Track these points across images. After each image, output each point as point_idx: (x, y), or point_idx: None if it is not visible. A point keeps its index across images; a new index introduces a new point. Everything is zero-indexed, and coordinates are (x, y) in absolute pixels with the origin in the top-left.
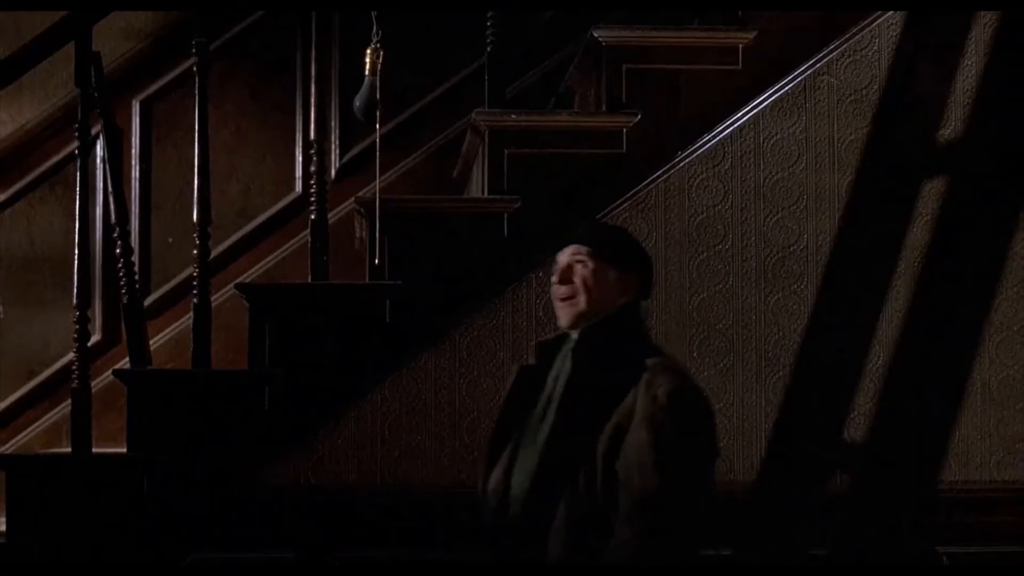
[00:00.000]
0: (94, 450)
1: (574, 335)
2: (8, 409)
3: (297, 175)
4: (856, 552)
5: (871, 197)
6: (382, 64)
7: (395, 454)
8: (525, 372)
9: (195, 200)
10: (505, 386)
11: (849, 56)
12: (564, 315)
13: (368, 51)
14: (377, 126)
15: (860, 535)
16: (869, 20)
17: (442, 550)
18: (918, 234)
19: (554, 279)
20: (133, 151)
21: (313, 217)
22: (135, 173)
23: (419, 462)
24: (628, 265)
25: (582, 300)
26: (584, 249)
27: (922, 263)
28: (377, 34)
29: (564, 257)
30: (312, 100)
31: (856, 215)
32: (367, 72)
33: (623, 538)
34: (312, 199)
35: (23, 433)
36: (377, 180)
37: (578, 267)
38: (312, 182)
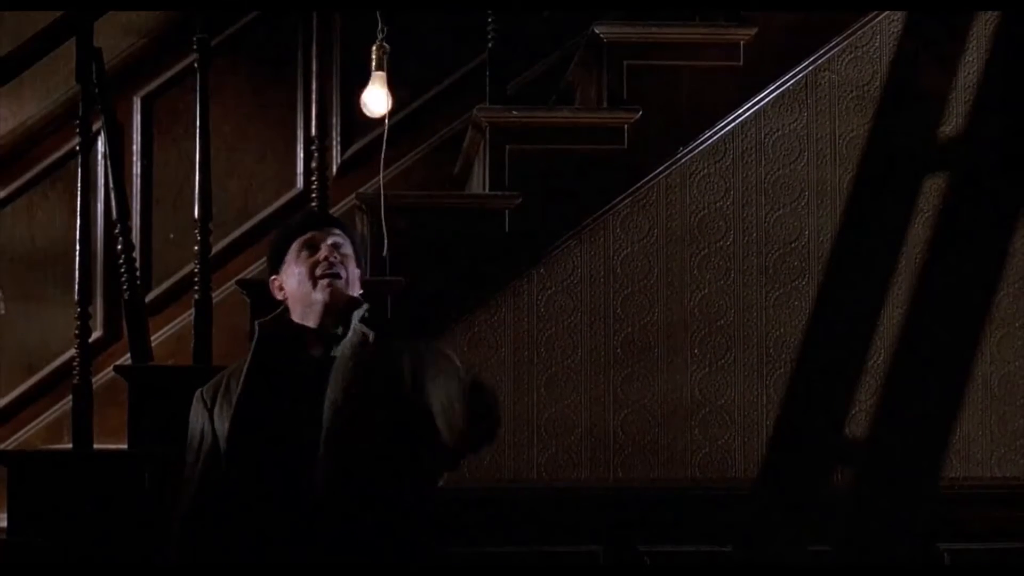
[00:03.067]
0: (95, 446)
1: (354, 326)
2: (9, 405)
3: (298, 171)
4: (857, 549)
5: (872, 193)
6: (388, 60)
7: None
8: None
9: (196, 196)
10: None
11: (850, 52)
12: (327, 292)
13: (374, 48)
14: (386, 121)
15: (861, 531)
16: (870, 16)
17: (441, 546)
18: (919, 230)
19: (322, 255)
20: (134, 147)
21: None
22: (136, 169)
23: None
24: (361, 253)
25: (343, 281)
26: (340, 232)
27: (923, 259)
28: (383, 31)
29: (327, 236)
30: (313, 96)
31: (857, 211)
32: (373, 69)
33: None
34: (313, 195)
35: (24, 429)
36: (381, 175)
37: (343, 246)
38: (313, 178)
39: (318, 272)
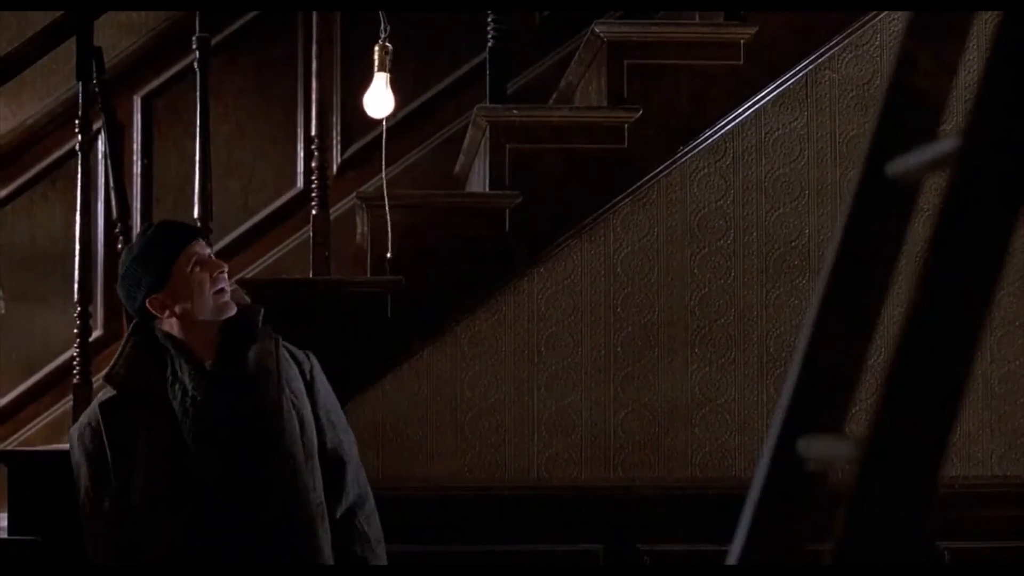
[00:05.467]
0: None
1: (262, 332)
2: (9, 405)
3: (298, 170)
4: (857, 547)
5: (873, 192)
6: (390, 60)
7: (396, 449)
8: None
9: (196, 195)
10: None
11: (851, 51)
12: (225, 303)
13: (376, 48)
14: (384, 122)
15: (861, 530)
16: (871, 15)
17: (439, 545)
18: (919, 229)
19: (216, 270)
20: (135, 146)
21: (315, 212)
22: (137, 168)
23: (420, 457)
24: None
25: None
26: (202, 243)
27: (923, 258)
28: (385, 30)
29: (203, 248)
30: (314, 95)
31: (858, 210)
32: (376, 68)
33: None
34: (314, 194)
35: (24, 429)
36: (383, 173)
37: (211, 257)
38: (314, 177)
39: (215, 287)
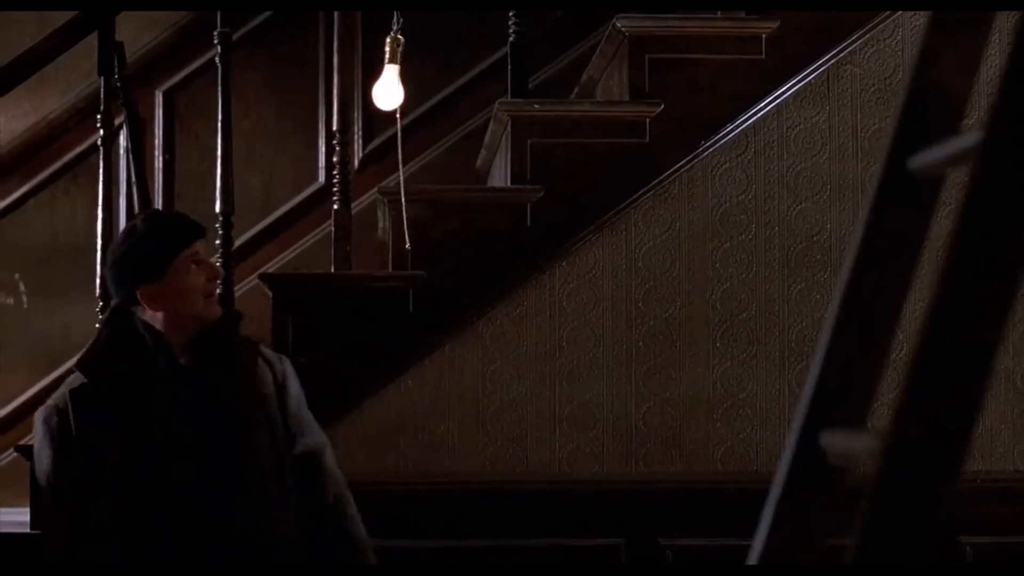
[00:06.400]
0: None
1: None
2: (31, 399)
3: (320, 165)
4: (878, 541)
5: (895, 186)
6: (402, 52)
7: (417, 444)
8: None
9: (217, 190)
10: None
11: (872, 46)
12: (214, 308)
13: (388, 40)
14: (398, 115)
15: (882, 524)
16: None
17: (461, 539)
18: (942, 223)
19: (207, 277)
20: (156, 141)
21: (336, 207)
22: (158, 163)
23: (441, 452)
24: None
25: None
26: (201, 244)
27: (945, 253)
28: (398, 22)
29: (202, 250)
30: (335, 90)
31: (880, 204)
32: (387, 60)
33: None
34: (335, 189)
35: None
36: (400, 169)
37: (210, 261)
38: (335, 172)
39: (209, 288)
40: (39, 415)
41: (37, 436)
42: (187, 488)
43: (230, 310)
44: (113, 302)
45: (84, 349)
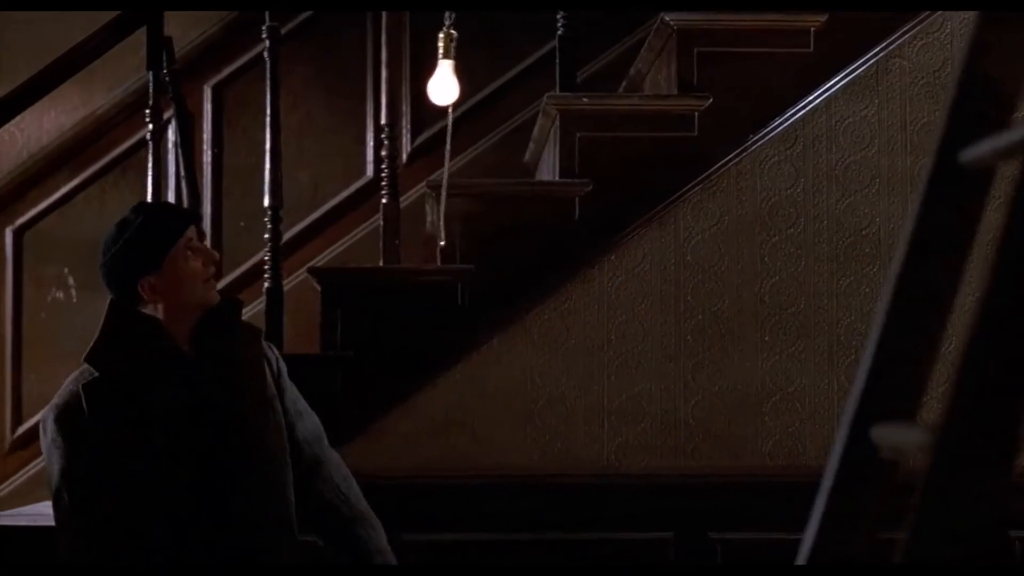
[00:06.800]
0: None
1: (244, 322)
2: None
3: (368, 159)
4: (930, 535)
5: (945, 179)
6: (455, 47)
7: (466, 437)
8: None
9: (266, 184)
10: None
11: (921, 39)
12: (213, 293)
13: (440, 35)
14: (450, 111)
15: (934, 518)
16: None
17: (510, 534)
18: (991, 216)
19: (203, 262)
20: (204, 136)
21: (384, 201)
22: (206, 158)
23: (489, 446)
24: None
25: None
26: (193, 229)
27: (995, 246)
28: (450, 17)
29: (195, 237)
30: (383, 84)
31: (930, 197)
32: (440, 55)
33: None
34: (383, 183)
35: None
36: (447, 164)
37: (205, 245)
38: (383, 166)
39: (206, 273)
40: (48, 414)
41: (46, 437)
42: (189, 485)
43: (229, 296)
44: (110, 298)
45: (89, 346)
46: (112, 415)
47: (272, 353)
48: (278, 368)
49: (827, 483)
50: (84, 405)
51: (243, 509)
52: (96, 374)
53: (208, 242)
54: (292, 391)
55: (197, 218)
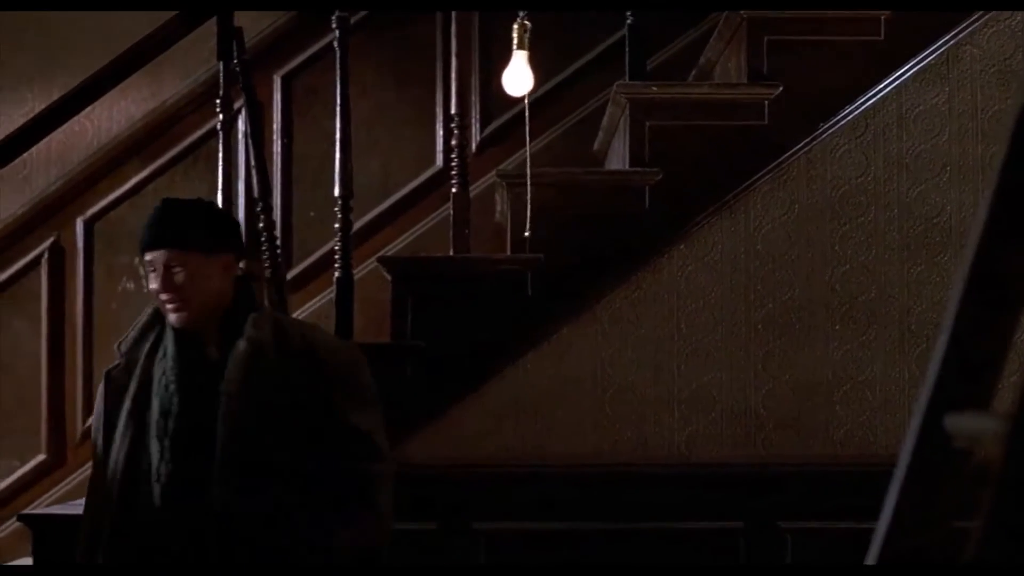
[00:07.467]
0: None
1: (248, 334)
2: None
3: (438, 149)
4: (1005, 524)
5: (1020, 166)
6: (528, 38)
7: (536, 427)
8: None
9: (336, 174)
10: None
11: (992, 26)
12: (175, 318)
13: (515, 26)
14: (526, 100)
15: (1009, 506)
16: None
17: (578, 522)
18: None
19: (155, 285)
20: (274, 126)
21: (455, 190)
22: (276, 147)
23: (559, 435)
24: (220, 243)
25: (192, 305)
26: (175, 253)
27: None
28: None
29: (160, 260)
30: (453, 73)
31: (1005, 185)
32: (515, 46)
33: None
34: (453, 172)
35: None
36: (528, 152)
37: (177, 274)
38: (453, 155)
39: (165, 299)
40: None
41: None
42: (181, 484)
43: (244, 294)
44: None
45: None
46: (116, 402)
47: (340, 360)
48: (327, 374)
49: (900, 472)
50: (103, 390)
51: (222, 500)
52: (119, 360)
53: (278, 232)
54: (347, 399)
55: (177, 244)
